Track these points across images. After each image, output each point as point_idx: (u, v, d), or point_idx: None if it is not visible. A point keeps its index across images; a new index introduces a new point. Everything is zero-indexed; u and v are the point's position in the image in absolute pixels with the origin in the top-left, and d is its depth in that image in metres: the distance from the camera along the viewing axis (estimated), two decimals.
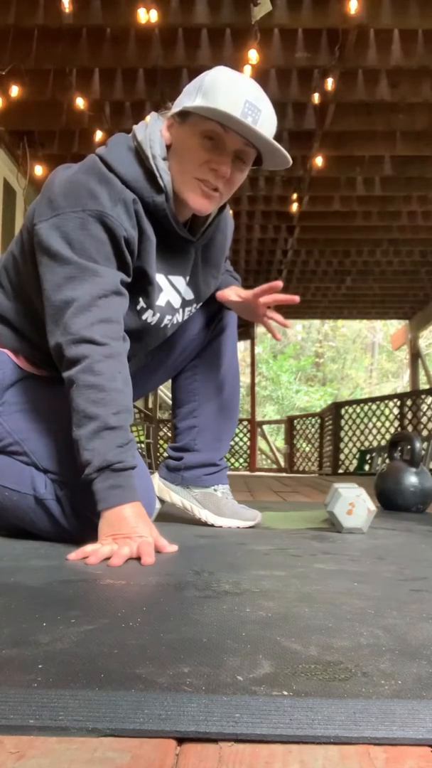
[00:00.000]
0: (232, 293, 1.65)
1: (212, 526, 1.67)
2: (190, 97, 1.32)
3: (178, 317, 1.54)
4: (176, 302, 1.50)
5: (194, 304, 1.58)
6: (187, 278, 1.50)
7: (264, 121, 1.29)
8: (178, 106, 1.35)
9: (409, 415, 8.21)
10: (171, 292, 1.47)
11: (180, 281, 1.49)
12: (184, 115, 1.32)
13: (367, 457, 8.08)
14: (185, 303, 1.53)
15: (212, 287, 1.62)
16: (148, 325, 1.45)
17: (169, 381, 1.82)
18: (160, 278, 1.43)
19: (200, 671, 0.59)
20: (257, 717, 0.51)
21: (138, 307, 1.41)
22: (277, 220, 7.49)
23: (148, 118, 1.40)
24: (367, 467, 7.89)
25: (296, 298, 1.59)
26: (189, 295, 1.53)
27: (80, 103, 4.88)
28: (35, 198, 1.37)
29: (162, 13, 4.17)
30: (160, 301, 1.45)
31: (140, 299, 1.40)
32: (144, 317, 1.43)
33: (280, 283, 1.58)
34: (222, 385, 1.74)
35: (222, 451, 1.75)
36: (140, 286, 1.38)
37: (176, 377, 1.77)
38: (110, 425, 1.18)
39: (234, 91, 1.28)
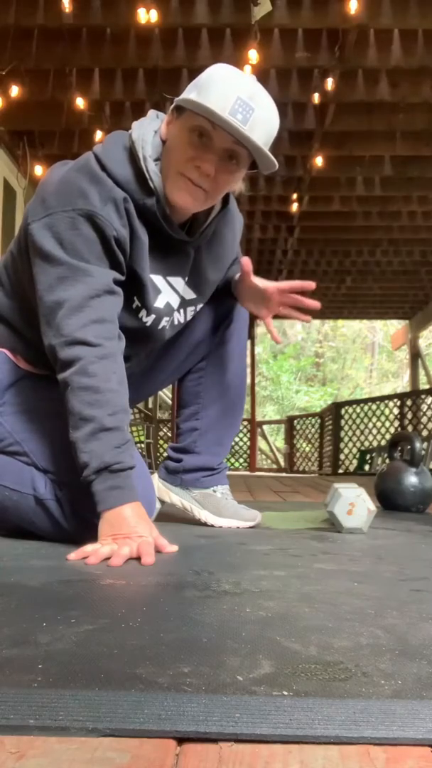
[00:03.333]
0: (258, 280, 1.56)
1: (212, 526, 1.67)
2: (187, 92, 1.31)
3: (179, 317, 1.53)
4: (175, 303, 1.48)
5: (197, 303, 1.56)
6: (186, 278, 1.49)
7: (257, 121, 1.25)
8: (176, 100, 1.33)
9: (409, 415, 8.21)
10: (170, 293, 1.46)
11: (179, 282, 1.47)
12: (180, 110, 1.31)
13: (367, 457, 8.08)
14: (185, 303, 1.52)
15: (216, 283, 1.59)
16: (144, 325, 1.44)
17: None
18: (158, 280, 1.42)
19: (200, 671, 0.59)
20: (257, 717, 0.51)
21: (133, 306, 1.40)
22: (277, 220, 7.49)
23: (148, 114, 1.40)
24: (367, 467, 7.89)
25: (317, 304, 1.48)
26: (189, 294, 1.52)
27: (80, 103, 4.88)
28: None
29: (162, 13, 4.16)
30: (159, 303, 1.44)
31: (134, 298, 1.39)
32: (140, 316, 1.42)
33: (312, 284, 1.49)
34: (227, 390, 1.73)
35: (222, 454, 1.74)
36: (133, 286, 1.37)
37: (182, 378, 1.76)
38: (106, 426, 1.18)
39: (227, 87, 1.25)
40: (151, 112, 1.41)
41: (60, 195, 1.26)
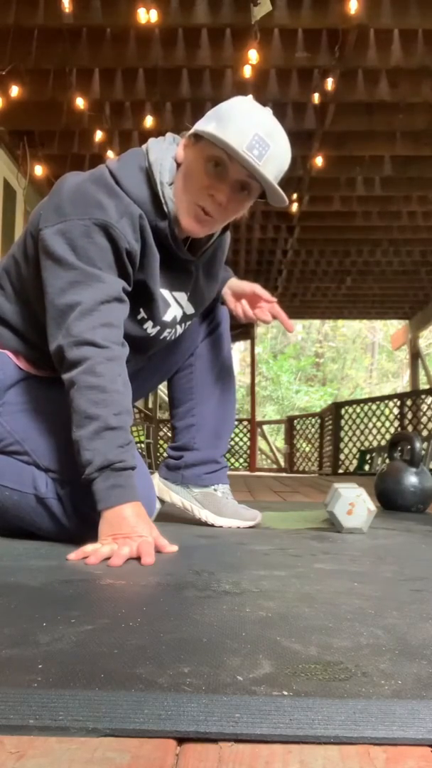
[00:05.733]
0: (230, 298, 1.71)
1: (212, 526, 1.67)
2: (206, 122, 1.33)
3: (178, 329, 1.57)
4: (179, 317, 1.53)
5: (194, 317, 1.62)
6: (189, 294, 1.53)
7: (271, 157, 1.29)
8: (194, 128, 1.35)
9: (409, 415, 8.21)
10: (176, 308, 1.50)
11: (183, 297, 1.52)
12: (197, 137, 1.34)
13: (367, 457, 8.08)
14: (185, 317, 1.56)
15: (211, 299, 1.65)
16: (148, 336, 1.47)
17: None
18: (166, 294, 1.46)
19: (200, 671, 0.59)
20: (257, 717, 0.51)
21: (138, 317, 1.43)
22: (277, 220, 7.49)
23: (165, 136, 1.42)
24: (367, 467, 7.89)
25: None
26: (190, 309, 1.56)
27: (80, 103, 4.88)
28: (35, 198, 1.39)
29: (162, 13, 4.16)
30: (167, 316, 1.48)
31: (141, 310, 1.42)
32: (144, 327, 1.45)
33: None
34: (218, 383, 1.75)
35: (221, 448, 1.75)
36: (141, 298, 1.40)
37: (172, 376, 1.77)
38: (111, 425, 1.19)
39: (246, 123, 1.29)
40: (168, 136, 1.42)
41: (76, 204, 1.28)
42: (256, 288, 1.67)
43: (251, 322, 1.72)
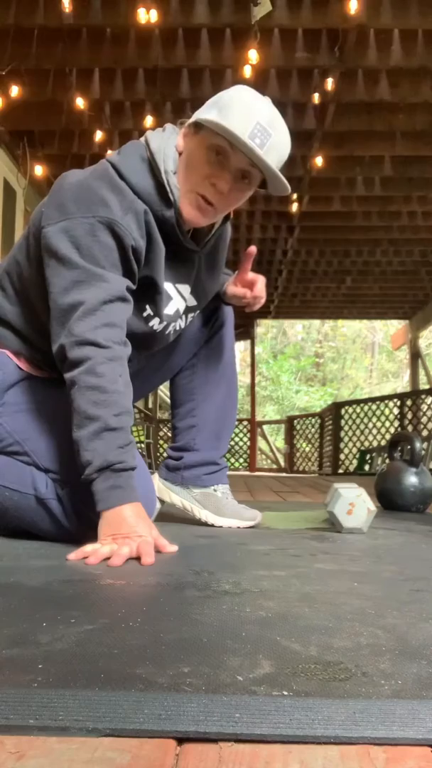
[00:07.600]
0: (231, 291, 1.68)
1: (212, 526, 1.67)
2: (207, 110, 1.34)
3: (181, 323, 1.56)
4: (181, 309, 1.52)
5: (196, 310, 1.61)
6: (191, 286, 1.52)
7: (272, 146, 1.30)
8: (195, 116, 1.35)
9: (409, 415, 8.21)
10: (179, 300, 1.50)
11: (186, 289, 1.51)
12: (198, 126, 1.33)
13: (367, 457, 8.08)
14: (188, 309, 1.56)
15: (214, 291, 1.65)
16: (153, 332, 1.47)
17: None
18: (168, 287, 1.45)
19: (200, 671, 0.59)
20: (257, 717, 0.51)
21: (144, 314, 1.42)
22: (277, 220, 7.49)
23: (164, 126, 1.42)
24: (367, 467, 7.89)
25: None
26: (192, 302, 1.56)
27: (80, 103, 4.88)
28: (35, 198, 1.38)
29: (162, 13, 4.16)
30: (169, 309, 1.47)
31: (147, 306, 1.42)
32: (150, 324, 1.45)
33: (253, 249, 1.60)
34: (220, 384, 1.74)
35: (221, 449, 1.75)
36: (148, 294, 1.40)
37: (174, 377, 1.77)
38: (111, 426, 1.19)
39: (248, 112, 1.29)
40: (169, 126, 1.42)
41: (79, 201, 1.27)
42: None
43: (252, 301, 1.66)
